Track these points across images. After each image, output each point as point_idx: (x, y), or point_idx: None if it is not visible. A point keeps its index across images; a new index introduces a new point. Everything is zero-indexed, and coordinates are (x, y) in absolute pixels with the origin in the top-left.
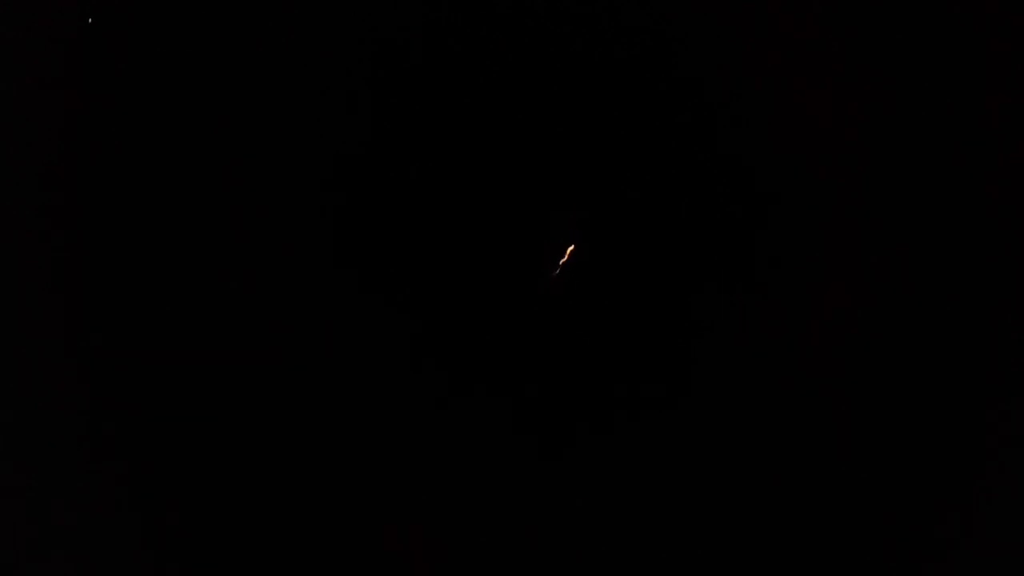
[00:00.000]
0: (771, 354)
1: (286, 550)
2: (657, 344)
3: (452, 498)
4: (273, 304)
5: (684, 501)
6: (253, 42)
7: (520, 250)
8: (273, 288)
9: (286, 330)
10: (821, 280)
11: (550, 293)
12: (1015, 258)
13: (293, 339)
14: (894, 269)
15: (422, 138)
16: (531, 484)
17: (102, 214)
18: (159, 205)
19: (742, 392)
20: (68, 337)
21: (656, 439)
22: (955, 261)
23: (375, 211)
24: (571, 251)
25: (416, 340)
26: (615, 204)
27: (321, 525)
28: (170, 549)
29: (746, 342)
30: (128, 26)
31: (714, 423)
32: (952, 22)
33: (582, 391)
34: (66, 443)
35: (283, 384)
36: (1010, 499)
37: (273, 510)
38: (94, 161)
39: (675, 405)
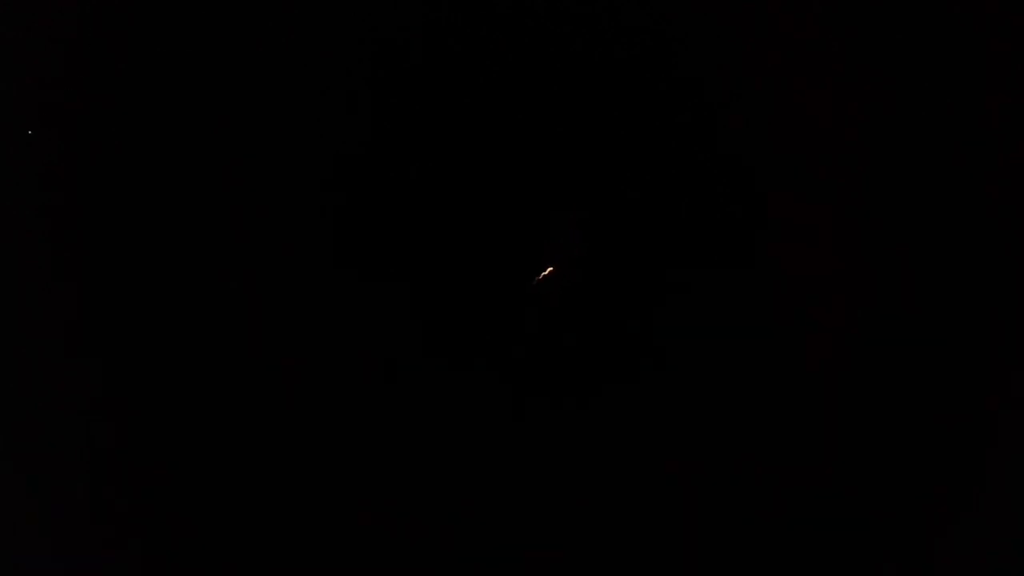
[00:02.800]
0: (771, 354)
1: (291, 544)
2: (656, 343)
3: (450, 493)
4: (273, 304)
5: (681, 503)
6: (253, 42)
7: (520, 250)
8: (273, 288)
9: (286, 330)
10: (821, 280)
11: (538, 297)
12: (1015, 258)
13: (293, 339)
14: (894, 269)
15: (422, 138)
16: (528, 482)
17: (102, 214)
18: (159, 205)
19: (742, 392)
20: (68, 337)
21: (654, 439)
22: (955, 261)
23: (375, 211)
24: (549, 271)
25: (416, 340)
26: (615, 204)
27: (326, 522)
28: (171, 549)
29: (746, 342)
30: (128, 26)
31: (714, 425)
32: (952, 22)
33: (580, 391)
34: (66, 443)
35: (282, 383)
36: (1010, 499)
37: (274, 509)
38: (94, 161)
39: (674, 405)
